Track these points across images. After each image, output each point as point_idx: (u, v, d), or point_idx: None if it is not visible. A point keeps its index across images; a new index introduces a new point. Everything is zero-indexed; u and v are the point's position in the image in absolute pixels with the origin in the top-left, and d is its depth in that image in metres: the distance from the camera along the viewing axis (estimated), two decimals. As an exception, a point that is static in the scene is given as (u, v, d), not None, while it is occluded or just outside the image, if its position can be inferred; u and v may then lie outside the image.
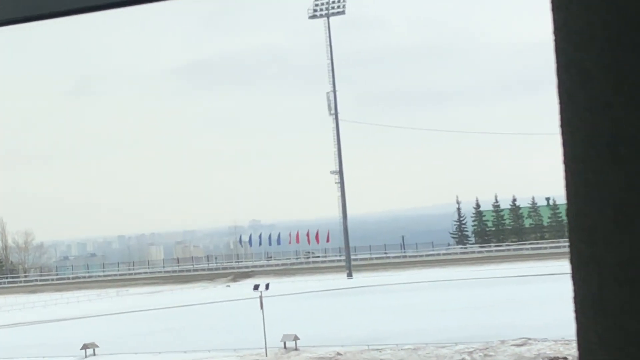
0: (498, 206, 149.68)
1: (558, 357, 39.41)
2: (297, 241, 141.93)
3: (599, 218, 1.38)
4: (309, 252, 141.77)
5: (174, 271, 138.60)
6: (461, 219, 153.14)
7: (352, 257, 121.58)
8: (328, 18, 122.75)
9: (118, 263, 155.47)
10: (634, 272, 1.34)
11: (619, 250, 1.36)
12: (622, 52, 1.34)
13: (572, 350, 40.24)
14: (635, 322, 1.34)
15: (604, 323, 1.38)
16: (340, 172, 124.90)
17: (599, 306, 1.38)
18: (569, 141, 1.38)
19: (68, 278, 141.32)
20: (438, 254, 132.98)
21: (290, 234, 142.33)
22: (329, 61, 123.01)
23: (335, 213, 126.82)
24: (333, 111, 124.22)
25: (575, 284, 1.48)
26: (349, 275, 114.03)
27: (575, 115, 1.37)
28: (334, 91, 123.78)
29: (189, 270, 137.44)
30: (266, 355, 46.48)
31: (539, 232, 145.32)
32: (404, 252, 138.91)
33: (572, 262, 1.49)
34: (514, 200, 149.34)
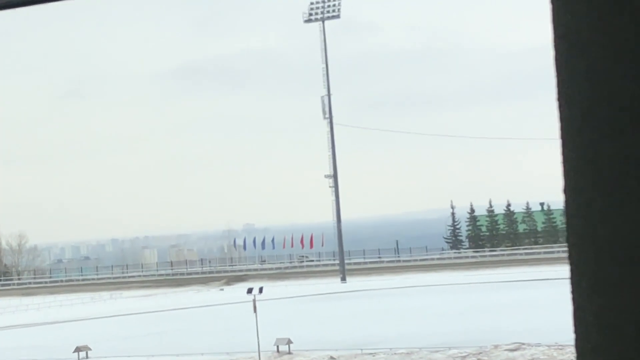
0: (492, 211, 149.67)
1: (551, 362, 39.38)
2: (291, 245, 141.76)
3: (596, 193, 1.32)
4: (302, 256, 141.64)
5: (168, 274, 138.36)
6: (455, 223, 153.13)
7: (346, 261, 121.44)
8: (323, 22, 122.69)
9: (112, 266, 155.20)
10: (632, 249, 1.28)
11: (616, 226, 1.30)
12: (623, 18, 1.27)
13: (566, 355, 40.22)
14: (631, 300, 1.28)
15: (600, 302, 1.32)
16: (335, 176, 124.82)
17: (595, 285, 1.33)
18: (566, 114, 1.33)
19: (62, 281, 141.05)
20: (432, 259, 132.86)
21: (284, 238, 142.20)
22: (324, 65, 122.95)
23: (330, 217, 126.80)
24: (327, 115, 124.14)
25: (571, 263, 1.39)
26: (343, 279, 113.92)
27: (573, 87, 1.32)
28: (329, 95, 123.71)
29: (182, 274, 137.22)
30: (259, 359, 46.39)
31: (533, 237, 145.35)
32: (398, 256, 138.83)
33: (568, 241, 1.40)
34: (508, 205, 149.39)
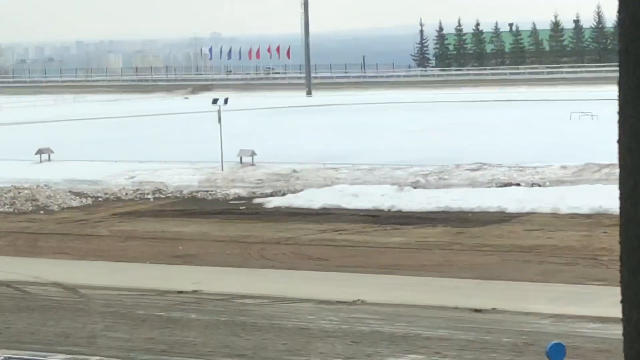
0: (461, 30, 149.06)
1: (511, 183, 39.76)
2: (258, 56, 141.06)
3: None
4: (269, 68, 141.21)
5: (132, 80, 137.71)
6: (423, 41, 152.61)
7: (313, 75, 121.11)
8: None
9: (76, 69, 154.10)
10: None
11: None
12: None
13: (526, 177, 40.57)
14: None
15: None
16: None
17: None
18: (626, 72, 1.13)
19: (25, 82, 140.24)
20: (398, 76, 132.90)
21: (251, 49, 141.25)
22: None
23: (297, 30, 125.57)
24: None
25: (622, 239, 1.19)
26: (309, 93, 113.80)
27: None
28: None
29: (147, 80, 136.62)
30: (222, 169, 46.50)
31: (500, 57, 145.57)
32: (364, 72, 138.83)
33: (622, 215, 1.18)
34: (477, 24, 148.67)
